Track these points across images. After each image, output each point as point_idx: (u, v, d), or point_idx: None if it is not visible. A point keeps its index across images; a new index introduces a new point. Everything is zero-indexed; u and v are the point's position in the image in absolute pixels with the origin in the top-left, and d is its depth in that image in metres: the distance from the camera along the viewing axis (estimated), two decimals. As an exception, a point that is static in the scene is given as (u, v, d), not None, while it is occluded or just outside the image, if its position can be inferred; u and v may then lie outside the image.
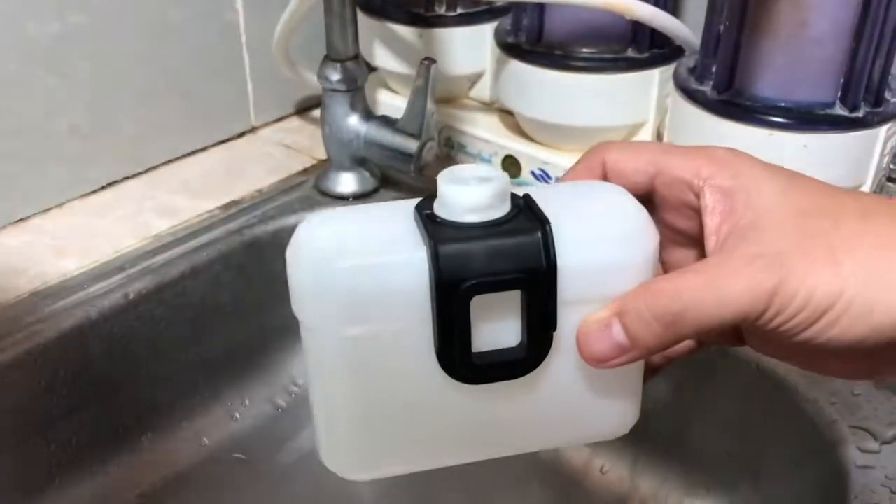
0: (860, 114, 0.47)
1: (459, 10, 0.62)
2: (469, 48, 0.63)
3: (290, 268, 0.30)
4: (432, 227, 0.30)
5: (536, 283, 0.30)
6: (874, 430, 0.40)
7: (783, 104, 0.48)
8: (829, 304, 0.29)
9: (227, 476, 0.57)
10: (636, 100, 0.57)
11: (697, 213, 0.33)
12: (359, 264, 0.29)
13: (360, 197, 0.60)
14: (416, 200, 0.31)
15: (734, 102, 0.49)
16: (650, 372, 0.37)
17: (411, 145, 0.53)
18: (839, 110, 0.48)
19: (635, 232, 0.31)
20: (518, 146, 0.61)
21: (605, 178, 0.35)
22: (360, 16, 0.65)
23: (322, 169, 0.62)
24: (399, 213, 0.31)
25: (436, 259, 0.29)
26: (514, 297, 0.30)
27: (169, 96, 0.63)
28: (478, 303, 0.30)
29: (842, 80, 0.47)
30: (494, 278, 0.29)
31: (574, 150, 0.60)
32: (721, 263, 0.31)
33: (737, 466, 0.49)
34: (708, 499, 0.51)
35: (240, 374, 0.60)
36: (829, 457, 0.41)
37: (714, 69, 0.50)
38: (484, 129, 0.62)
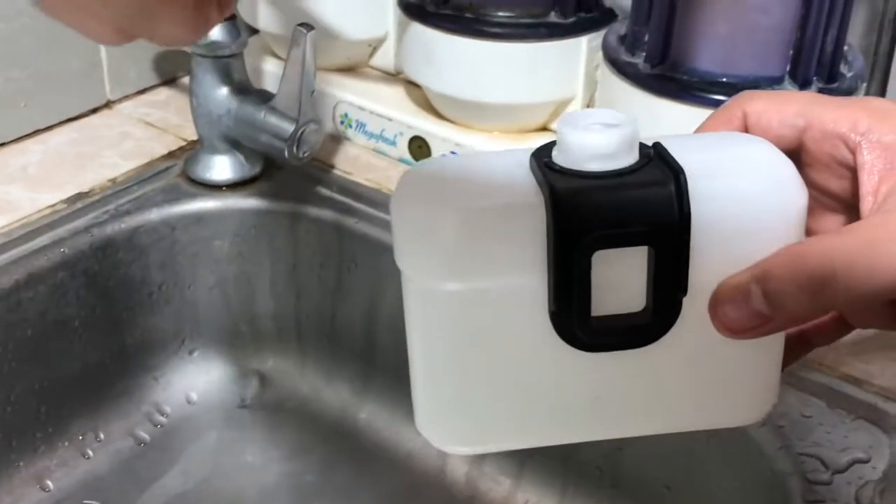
0: (812, 90, 0.48)
1: (354, -37, 0.61)
2: (368, 8, 0.62)
3: (394, 212, 0.32)
4: (552, 175, 0.30)
5: (667, 240, 0.31)
6: (825, 458, 0.41)
7: (725, 79, 0.48)
8: None
9: (76, 527, 0.55)
10: (561, 72, 0.57)
11: (853, 171, 0.33)
12: (469, 207, 0.30)
13: (236, 185, 0.59)
14: (532, 148, 0.32)
15: (669, 77, 0.49)
16: (792, 355, 0.37)
17: (286, 127, 0.52)
18: (788, 86, 0.48)
19: (781, 187, 0.32)
20: (426, 125, 0.60)
21: (746, 130, 0.36)
22: (239, -32, 0.64)
23: (192, 152, 0.60)
24: (515, 161, 0.32)
25: (556, 206, 0.30)
26: (640, 256, 0.31)
27: (2, 67, 0.61)
28: (599, 259, 0.30)
29: (791, 52, 0.48)
30: (621, 231, 0.30)
31: (492, 130, 0.59)
32: (879, 225, 0.31)
33: (676, 499, 0.49)
34: (644, 537, 0.51)
35: (92, 402, 0.58)
36: (777, 489, 0.41)
37: (646, 39, 0.50)
38: (387, 105, 0.62)
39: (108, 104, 0.68)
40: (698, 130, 0.37)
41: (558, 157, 0.31)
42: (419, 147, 0.60)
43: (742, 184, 0.32)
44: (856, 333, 0.45)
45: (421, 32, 0.58)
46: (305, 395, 0.61)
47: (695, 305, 0.32)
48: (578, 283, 0.31)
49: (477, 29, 0.56)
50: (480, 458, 0.56)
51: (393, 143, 0.61)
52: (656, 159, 0.32)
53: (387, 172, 0.60)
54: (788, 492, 0.41)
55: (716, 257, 0.32)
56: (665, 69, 0.49)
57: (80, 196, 0.58)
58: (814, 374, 0.45)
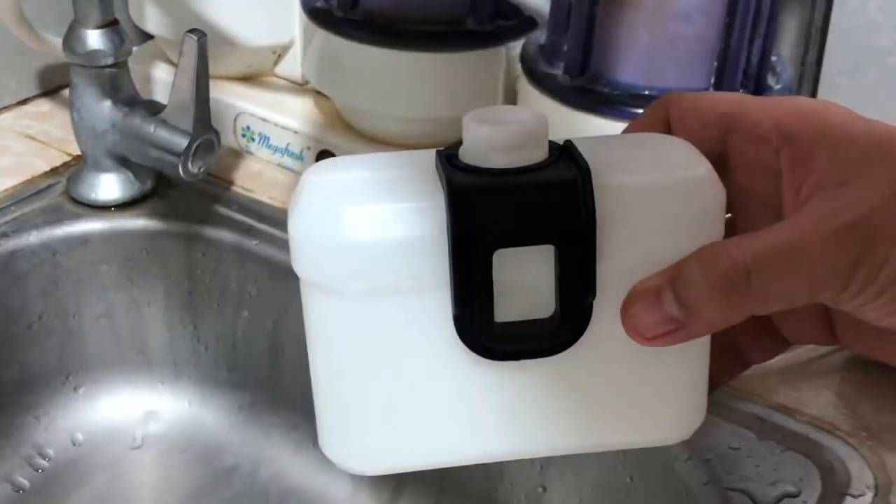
0: (739, 103, 0.49)
1: (256, -36, 0.60)
2: (271, 12, 0.62)
3: (291, 214, 0.32)
4: (452, 171, 0.31)
5: (571, 239, 0.31)
6: (754, 492, 0.41)
7: (647, 91, 0.49)
8: None
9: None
10: (479, 83, 0.57)
11: (778, 174, 0.34)
12: (368, 210, 0.31)
13: (125, 205, 0.58)
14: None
15: (589, 89, 0.49)
16: (725, 372, 0.39)
17: (179, 141, 0.51)
18: (714, 98, 0.49)
19: (696, 185, 0.32)
20: (335, 139, 0.60)
21: (669, 133, 0.36)
22: (130, -31, 0.63)
23: (75, 169, 0.59)
24: (420, 159, 0.33)
25: (453, 205, 0.30)
26: (546, 258, 0.31)
27: None
28: (503, 261, 0.31)
29: (715, 64, 0.48)
30: (521, 230, 0.31)
31: (406, 145, 0.59)
32: (796, 225, 0.31)
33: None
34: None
35: (-36, 445, 0.56)
36: (704, 527, 0.42)
37: (565, 48, 0.50)
38: (292, 117, 0.61)
39: (-15, 115, 0.66)
40: (623, 132, 0.37)
41: (464, 153, 0.32)
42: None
43: (654, 182, 0.32)
44: (787, 360, 0.46)
45: (328, 40, 0.57)
46: (204, 435, 0.60)
47: (608, 311, 0.32)
48: (479, 285, 0.31)
49: (388, 37, 0.55)
50: (396, 500, 0.56)
51: (299, 158, 0.61)
52: (565, 157, 0.32)
53: (292, 190, 0.59)
54: (716, 530, 0.41)
55: (628, 259, 0.32)
56: (585, 81, 0.50)
57: (-51, 217, 0.57)
58: (742, 403, 0.45)
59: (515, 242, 0.31)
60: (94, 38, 0.53)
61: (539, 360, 0.33)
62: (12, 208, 0.57)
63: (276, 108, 0.62)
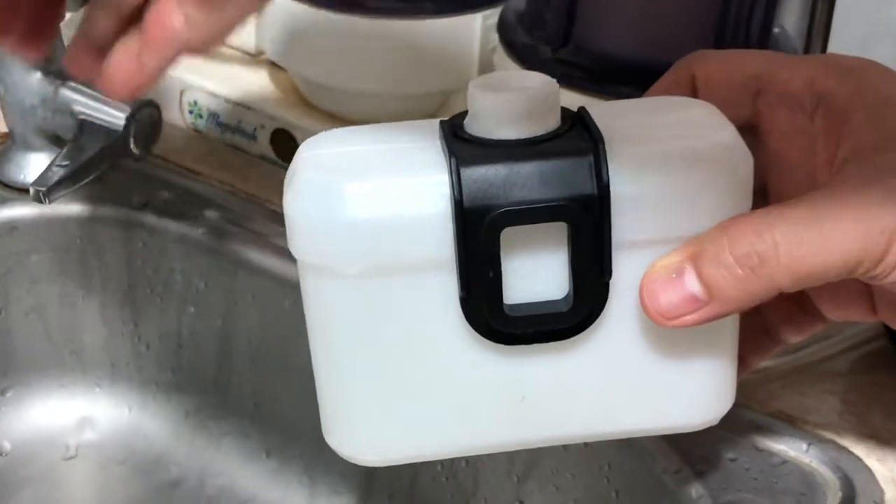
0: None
1: (205, -79, 0.60)
2: (221, -24, 0.61)
3: (287, 193, 0.33)
4: (457, 144, 0.32)
5: (585, 215, 0.32)
6: (752, 510, 0.41)
7: (636, 65, 0.48)
8: None
9: None
10: (452, 55, 0.57)
11: (813, 139, 0.34)
12: (368, 186, 0.32)
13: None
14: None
15: (573, 62, 0.49)
16: (758, 351, 0.40)
17: (116, 117, 0.51)
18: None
19: (720, 154, 0.33)
20: (293, 117, 0.60)
21: (695, 95, 0.37)
22: (63, -76, 0.62)
23: (2, 148, 0.58)
24: (423, 131, 0.34)
25: (458, 181, 0.31)
26: (559, 236, 0.32)
27: None
28: (512, 239, 0.32)
29: (712, 36, 0.48)
30: (530, 206, 0.31)
31: (371, 122, 0.59)
32: (828, 195, 0.32)
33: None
34: None
35: None
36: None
37: (547, 16, 0.50)
38: (245, 92, 0.61)
39: None
40: (644, 96, 0.37)
41: (469, 124, 0.33)
42: (284, 142, 0.59)
43: (675, 151, 0.33)
44: (789, 362, 0.46)
45: (286, 6, 0.57)
46: (146, 444, 0.60)
47: (625, 291, 0.33)
48: (487, 265, 0.32)
49: (351, 3, 0.55)
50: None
51: (252, 138, 0.60)
52: (578, 125, 0.33)
53: (244, 172, 0.59)
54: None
55: (646, 235, 0.33)
56: (568, 53, 0.50)
57: None
58: (740, 410, 0.45)
59: (525, 220, 0.32)
60: (21, 2, 0.53)
61: (552, 343, 0.34)
62: (-69, 192, 0.57)
63: (227, 82, 0.62)
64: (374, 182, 0.32)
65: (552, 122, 0.33)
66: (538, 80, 0.33)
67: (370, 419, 0.36)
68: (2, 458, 0.59)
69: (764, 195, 0.39)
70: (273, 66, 0.62)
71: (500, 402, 0.35)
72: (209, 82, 0.61)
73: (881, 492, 0.41)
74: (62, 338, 0.60)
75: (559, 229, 0.32)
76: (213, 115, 0.61)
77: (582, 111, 0.33)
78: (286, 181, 0.34)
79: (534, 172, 0.32)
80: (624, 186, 0.32)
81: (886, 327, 0.47)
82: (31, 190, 0.50)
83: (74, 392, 0.60)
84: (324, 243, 0.33)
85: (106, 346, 0.60)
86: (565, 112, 0.33)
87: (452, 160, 0.31)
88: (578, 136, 0.32)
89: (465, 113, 0.33)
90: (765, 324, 0.41)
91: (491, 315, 0.33)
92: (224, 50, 0.64)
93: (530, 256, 0.33)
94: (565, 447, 0.48)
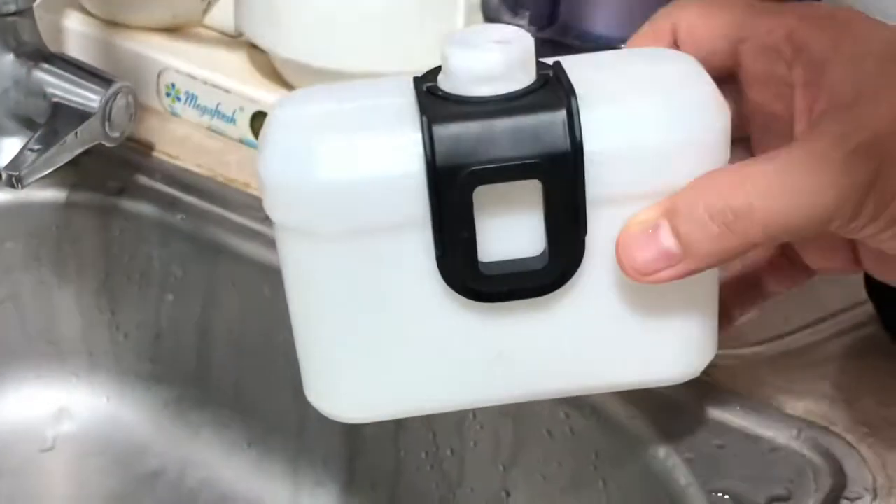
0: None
1: None
2: (199, -47, 0.61)
3: (260, 153, 0.33)
4: (431, 102, 0.33)
5: (559, 171, 0.32)
6: (740, 496, 0.42)
7: (623, 44, 0.48)
8: None
9: None
10: (434, 35, 0.55)
11: (792, 89, 0.35)
12: (341, 145, 0.33)
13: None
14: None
15: (558, 42, 0.49)
16: (743, 303, 0.40)
17: (91, 100, 0.51)
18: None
19: (695, 107, 0.33)
20: (273, 99, 0.59)
21: (675, 47, 0.37)
22: None
23: (-27, 133, 0.58)
24: (397, 88, 0.34)
25: (430, 139, 0.32)
26: (534, 193, 0.33)
27: None
28: (486, 197, 0.33)
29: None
30: (503, 164, 0.32)
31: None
32: (801, 147, 0.32)
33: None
34: None
35: None
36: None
37: (531, -2, 0.50)
38: (224, 73, 0.61)
39: None
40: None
41: (443, 81, 0.33)
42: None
43: (650, 106, 0.33)
44: (778, 347, 0.47)
45: (262, -14, 0.57)
46: (124, 435, 0.60)
47: (601, 247, 0.34)
48: (461, 224, 0.33)
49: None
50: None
51: (231, 121, 0.60)
52: (553, 81, 0.33)
53: (223, 157, 0.59)
54: (699, 540, 0.41)
55: (622, 190, 0.33)
56: (553, 33, 0.50)
57: None
58: (728, 396, 0.45)
59: (498, 178, 0.32)
60: (-10, -22, 0.53)
61: (529, 300, 0.34)
62: None
63: (206, 64, 0.61)
64: (346, 142, 0.33)
65: (527, 78, 0.33)
66: (512, 35, 0.33)
67: (350, 377, 0.36)
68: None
69: (748, 144, 0.39)
70: (252, 47, 0.62)
71: (477, 359, 0.36)
72: (187, 64, 0.61)
73: (872, 478, 0.42)
74: (38, 327, 0.60)
75: (534, 187, 0.33)
76: (191, 97, 0.61)
77: (557, 66, 0.33)
78: (259, 143, 0.34)
79: (507, 130, 0.32)
80: (598, 142, 0.32)
81: (878, 313, 0.47)
82: (3, 174, 0.50)
83: (51, 382, 0.60)
84: (298, 205, 0.33)
85: (83, 335, 0.60)
86: (541, 67, 0.34)
87: (424, 118, 0.32)
88: (553, 92, 0.33)
89: (438, 69, 0.34)
90: (749, 275, 0.41)
91: (466, 274, 0.34)
92: (202, 31, 0.64)
93: (505, 214, 0.33)
94: (552, 435, 0.48)
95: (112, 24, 0.64)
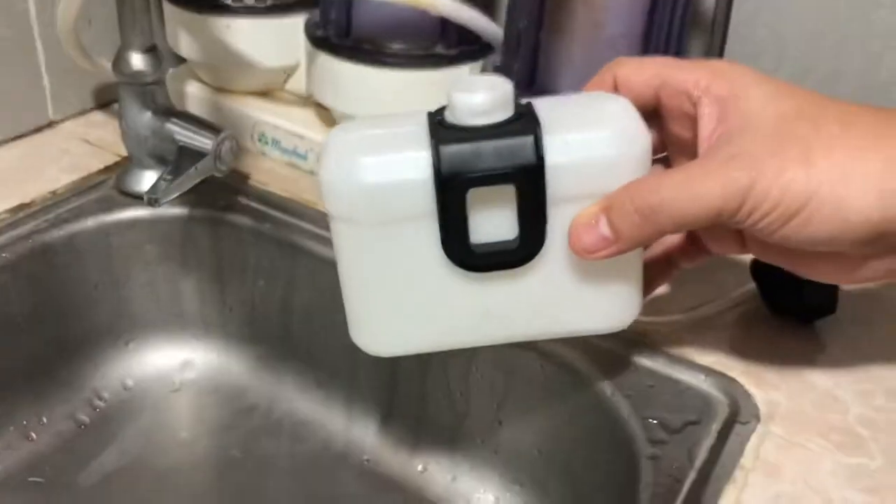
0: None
1: (269, 1, 0.60)
2: (280, 40, 0.61)
3: (320, 164, 0.34)
4: (439, 129, 0.33)
5: (527, 178, 0.33)
6: (666, 420, 0.42)
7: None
8: (803, 201, 0.31)
9: (20, 503, 0.53)
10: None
11: (696, 122, 0.35)
12: (377, 160, 0.33)
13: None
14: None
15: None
16: (662, 275, 0.41)
17: (208, 143, 0.51)
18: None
19: (626, 134, 0.34)
20: (334, 142, 0.60)
21: (615, 91, 0.37)
22: (166, 4, 0.62)
23: (124, 167, 0.58)
24: (415, 120, 0.35)
25: (437, 156, 0.33)
26: (510, 194, 0.33)
27: (-52, 89, 0.58)
28: (477, 198, 0.33)
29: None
30: (489, 173, 0.33)
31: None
32: (700, 164, 0.33)
33: (546, 460, 0.50)
34: (522, 494, 0.52)
35: (36, 389, 0.56)
36: (626, 449, 0.42)
37: (516, 67, 0.50)
38: (299, 124, 0.61)
39: (50, 124, 0.65)
40: (581, 91, 0.38)
41: (448, 115, 0.34)
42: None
43: (594, 134, 0.34)
44: (691, 318, 0.47)
45: (327, 61, 0.57)
46: (229, 379, 0.60)
47: (559, 234, 0.35)
48: (458, 215, 0.34)
49: (375, 59, 0.55)
50: (383, 432, 0.56)
51: (304, 158, 0.60)
52: (526, 115, 0.34)
53: (298, 183, 0.59)
54: (635, 450, 0.41)
55: (573, 192, 0.34)
56: (533, 94, 0.49)
57: (22, 207, 0.56)
58: (656, 352, 0.45)
59: (485, 182, 0.33)
60: (138, 61, 0.53)
61: (507, 271, 0.35)
62: (73, 199, 0.57)
63: (286, 118, 0.61)
64: (380, 157, 0.33)
65: (507, 113, 0.33)
66: (498, 83, 0.34)
67: (380, 324, 0.37)
68: (126, 392, 0.59)
69: (666, 161, 0.39)
70: (318, 105, 0.62)
71: (470, 313, 0.37)
72: (273, 118, 0.61)
73: (757, 408, 0.42)
74: (168, 304, 0.60)
75: (509, 190, 0.33)
76: (276, 142, 0.61)
77: (529, 105, 0.34)
78: (320, 157, 0.35)
79: (492, 149, 0.33)
80: (557, 158, 0.33)
81: (760, 292, 0.47)
82: (145, 197, 0.51)
83: (178, 343, 0.60)
84: (346, 202, 0.34)
85: (200, 309, 0.60)
86: (518, 105, 0.34)
87: (433, 141, 0.33)
88: (525, 123, 0.33)
89: (445, 107, 0.35)
90: (667, 256, 0.41)
91: (462, 251, 0.34)
92: (283, 94, 0.64)
93: (491, 209, 0.34)
94: (531, 382, 0.48)
95: (220, 89, 0.64)
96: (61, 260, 0.55)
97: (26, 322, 0.55)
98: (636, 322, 0.45)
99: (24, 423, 0.55)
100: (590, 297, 0.37)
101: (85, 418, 0.57)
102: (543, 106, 0.34)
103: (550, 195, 0.33)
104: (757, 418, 0.41)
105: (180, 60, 0.66)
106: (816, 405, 0.42)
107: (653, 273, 0.41)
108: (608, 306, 0.37)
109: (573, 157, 0.33)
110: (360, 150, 0.34)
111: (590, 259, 0.34)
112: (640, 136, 0.34)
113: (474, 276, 0.35)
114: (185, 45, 0.62)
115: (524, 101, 0.35)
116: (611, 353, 0.45)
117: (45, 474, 0.54)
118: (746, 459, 0.39)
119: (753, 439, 0.40)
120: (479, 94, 0.33)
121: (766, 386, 0.43)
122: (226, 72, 0.62)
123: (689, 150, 0.37)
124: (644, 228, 0.33)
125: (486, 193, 0.33)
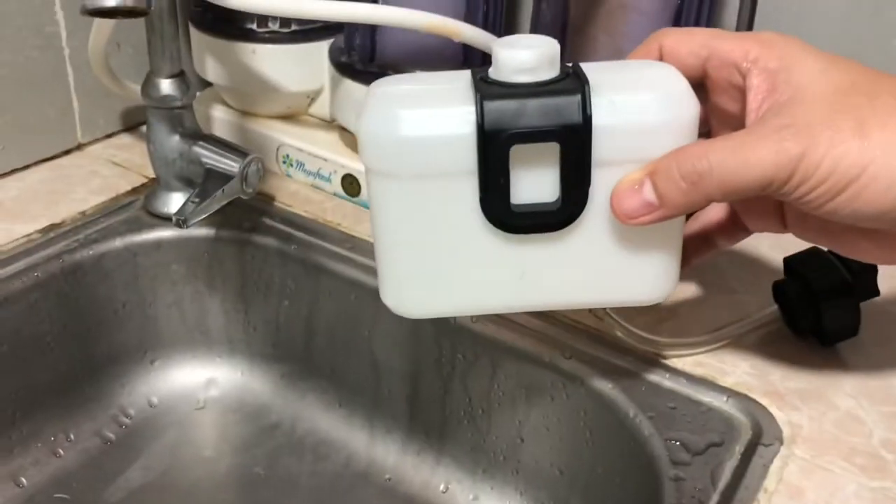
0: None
1: (294, 27, 0.60)
2: (305, 65, 0.61)
3: (360, 118, 0.33)
4: (483, 86, 0.32)
5: (572, 137, 0.32)
6: (687, 442, 0.42)
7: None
8: (854, 174, 0.30)
9: (47, 518, 0.53)
10: None
11: (744, 94, 0.34)
12: (418, 113, 0.32)
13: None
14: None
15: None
16: (697, 252, 0.40)
17: (234, 166, 0.51)
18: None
19: (674, 98, 0.33)
20: (357, 165, 0.59)
21: (662, 60, 0.36)
22: (193, 30, 0.63)
23: (152, 188, 0.59)
24: (458, 77, 0.34)
25: (481, 110, 0.31)
26: (553, 155, 0.32)
27: (-18, 112, 0.59)
28: (519, 156, 0.32)
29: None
30: (533, 130, 0.31)
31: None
32: (751, 132, 0.32)
33: (568, 480, 0.49)
34: (543, 513, 0.51)
35: (64, 406, 0.56)
36: (648, 470, 0.42)
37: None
38: (322, 147, 0.61)
39: (79, 146, 0.66)
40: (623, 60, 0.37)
41: (492, 72, 0.33)
42: (350, 183, 0.60)
43: (641, 97, 0.33)
44: (712, 339, 0.47)
45: (351, 87, 0.57)
46: (253, 398, 0.60)
47: (602, 198, 0.33)
48: (500, 174, 0.32)
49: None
50: (405, 450, 0.56)
51: (328, 180, 0.60)
52: (572, 75, 0.33)
53: (322, 205, 0.59)
54: (658, 471, 0.41)
55: (618, 156, 0.33)
56: None
57: (52, 227, 0.56)
58: (678, 372, 0.45)
59: (528, 139, 0.32)
60: (166, 86, 0.53)
61: (546, 234, 0.34)
62: (101, 220, 0.57)
63: (310, 141, 0.62)
64: (421, 111, 0.32)
65: (553, 72, 0.32)
66: (544, 41, 0.33)
67: (413, 283, 0.36)
68: (151, 409, 0.59)
69: (710, 137, 0.38)
70: (342, 129, 0.62)
71: (506, 276, 0.35)
72: (297, 141, 0.61)
73: (780, 430, 0.42)
74: (194, 323, 0.60)
75: (553, 149, 0.32)
76: (300, 164, 0.62)
77: (575, 66, 0.33)
78: (360, 110, 0.34)
79: (536, 106, 0.32)
80: (603, 119, 0.32)
81: (782, 314, 0.47)
82: (173, 218, 0.51)
83: (203, 361, 0.60)
84: (384, 154, 0.33)
85: (225, 328, 0.60)
86: (564, 66, 0.33)
87: (478, 95, 0.32)
88: (571, 83, 0.32)
89: (489, 66, 0.33)
90: (704, 233, 0.41)
91: (502, 211, 0.33)
92: (307, 118, 0.65)
93: (532, 169, 0.33)
94: (553, 399, 0.48)
95: (245, 113, 0.64)
96: (90, 279, 0.55)
97: (55, 340, 0.55)
98: (658, 343, 0.45)
99: (52, 439, 0.55)
100: (627, 267, 0.35)
101: (111, 435, 0.57)
102: (591, 69, 0.33)
103: (595, 157, 0.32)
104: (780, 440, 0.41)
105: (206, 84, 0.66)
106: (840, 427, 0.41)
107: (689, 249, 0.39)
108: (645, 277, 0.36)
109: (620, 118, 0.32)
110: (401, 102, 0.33)
111: (632, 224, 0.33)
112: (689, 102, 0.33)
113: (512, 238, 0.34)
114: (212, 69, 0.62)
115: (570, 63, 0.34)
116: (633, 373, 0.45)
117: (72, 490, 0.54)
118: (770, 482, 0.39)
119: (777, 462, 0.40)
120: (526, 51, 0.32)
121: (789, 408, 0.43)
122: (251, 96, 0.62)
123: (735, 124, 0.36)
124: (690, 195, 0.32)
125: (529, 153, 0.32)
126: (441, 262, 0.35)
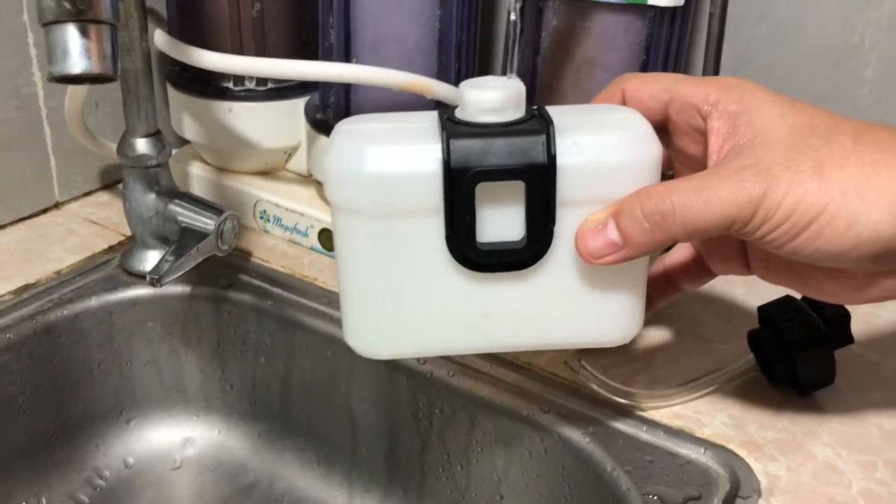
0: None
1: (270, 85, 0.60)
2: (281, 122, 0.61)
3: (327, 155, 0.33)
4: (450, 124, 0.32)
5: (537, 177, 0.32)
6: (665, 496, 0.41)
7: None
8: (814, 213, 0.30)
9: (17, 587, 0.51)
10: None
11: (705, 136, 0.34)
12: (384, 150, 0.32)
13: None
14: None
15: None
16: (662, 294, 0.40)
17: (209, 224, 0.51)
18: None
19: (637, 139, 0.33)
20: (333, 219, 0.59)
21: (624, 104, 0.36)
22: (170, 89, 0.63)
23: (128, 246, 0.58)
24: (425, 117, 0.34)
25: (447, 148, 0.31)
26: (518, 193, 0.32)
27: (-43, 173, 0.59)
28: (485, 194, 0.32)
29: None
30: (498, 167, 0.31)
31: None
32: (713, 172, 0.32)
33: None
34: (524, 570, 0.50)
35: (36, 470, 0.55)
36: (627, 525, 0.41)
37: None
38: (299, 202, 0.61)
39: (56, 205, 0.65)
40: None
41: (459, 112, 0.33)
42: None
43: (605, 137, 0.33)
44: (689, 389, 0.46)
45: (327, 142, 0.57)
46: (230, 456, 0.59)
47: (566, 238, 0.33)
48: (465, 210, 0.32)
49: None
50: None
51: (305, 235, 0.60)
52: (537, 116, 0.33)
53: (299, 260, 0.59)
54: (636, 527, 0.40)
55: (583, 196, 0.33)
56: None
57: (26, 287, 0.55)
58: (655, 425, 0.45)
59: (493, 178, 0.32)
60: (142, 145, 0.53)
61: (511, 273, 0.34)
62: (77, 279, 0.56)
63: (287, 196, 0.61)
64: (388, 148, 0.32)
65: (519, 113, 0.33)
66: (511, 83, 0.33)
67: (377, 323, 0.35)
68: (128, 470, 0.58)
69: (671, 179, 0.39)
70: (318, 184, 0.62)
71: (471, 316, 0.35)
72: (274, 196, 0.61)
73: (758, 482, 0.41)
74: (170, 381, 0.59)
75: (519, 188, 0.32)
76: (277, 219, 0.61)
77: (541, 108, 0.33)
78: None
79: (502, 145, 0.32)
80: (568, 159, 0.32)
81: (758, 364, 0.46)
82: (148, 277, 0.50)
83: (179, 420, 0.59)
84: (350, 191, 0.32)
85: (202, 386, 0.59)
86: (529, 108, 0.33)
87: (444, 133, 0.32)
88: (537, 124, 0.32)
89: (456, 106, 0.34)
90: (668, 276, 0.40)
91: (467, 249, 0.33)
92: (284, 173, 0.65)
93: (498, 208, 0.33)
94: (531, 454, 0.47)
95: (222, 170, 0.64)
96: (64, 340, 0.54)
97: (27, 402, 0.54)
98: (635, 395, 0.45)
99: (24, 503, 0.54)
100: (593, 307, 0.35)
101: (85, 498, 0.56)
102: (555, 111, 0.33)
103: (560, 197, 0.32)
104: (758, 492, 0.40)
105: (184, 142, 0.66)
106: (818, 478, 0.41)
107: (654, 291, 0.39)
108: (610, 318, 0.36)
109: (584, 158, 0.32)
110: (368, 139, 0.33)
111: (596, 263, 0.33)
112: (652, 143, 0.33)
113: (477, 276, 0.34)
114: (189, 128, 0.62)
115: (535, 106, 0.34)
116: (610, 426, 0.44)
117: (44, 557, 0.53)
118: (750, 536, 0.38)
119: (756, 515, 0.39)
120: (492, 92, 0.32)
121: (767, 459, 0.42)
122: (228, 153, 0.62)
123: (697, 167, 0.36)
124: (653, 234, 0.32)
125: (495, 191, 0.32)
126: (405, 300, 0.34)
